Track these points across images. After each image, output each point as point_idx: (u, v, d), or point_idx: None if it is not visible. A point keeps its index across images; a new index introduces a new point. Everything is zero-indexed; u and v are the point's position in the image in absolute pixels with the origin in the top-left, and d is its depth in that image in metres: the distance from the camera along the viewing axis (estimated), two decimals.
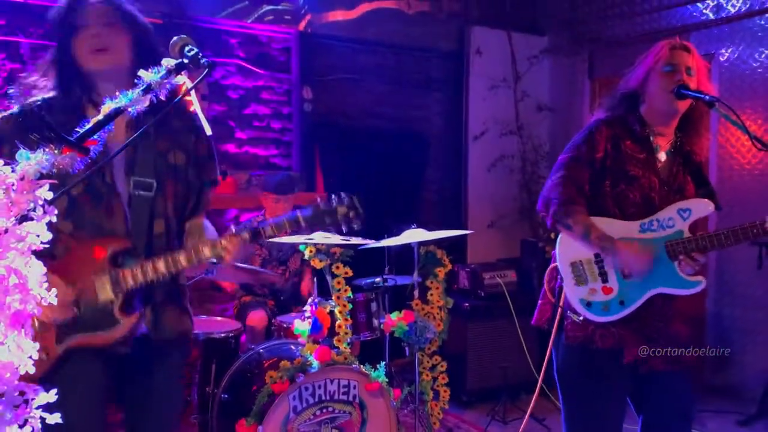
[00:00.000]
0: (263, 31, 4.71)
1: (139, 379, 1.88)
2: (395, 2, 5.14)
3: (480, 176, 5.46)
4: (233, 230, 1.80)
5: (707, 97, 2.11)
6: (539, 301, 2.38)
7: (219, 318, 3.68)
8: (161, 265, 1.73)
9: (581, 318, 2.17)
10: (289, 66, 4.85)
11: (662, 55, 2.17)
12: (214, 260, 1.80)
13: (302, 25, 4.76)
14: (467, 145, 5.43)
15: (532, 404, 2.61)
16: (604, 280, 2.16)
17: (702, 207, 2.15)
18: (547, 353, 2.30)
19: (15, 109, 1.76)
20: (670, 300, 2.18)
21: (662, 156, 2.23)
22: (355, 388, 2.82)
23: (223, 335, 3.24)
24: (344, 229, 1.86)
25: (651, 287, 2.12)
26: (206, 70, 1.38)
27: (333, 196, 1.86)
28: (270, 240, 3.17)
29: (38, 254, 0.99)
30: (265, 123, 4.79)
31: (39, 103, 1.77)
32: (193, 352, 3.32)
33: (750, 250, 3.92)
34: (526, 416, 2.81)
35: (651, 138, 2.22)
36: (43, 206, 1.08)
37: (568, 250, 2.21)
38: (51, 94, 1.80)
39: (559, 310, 2.21)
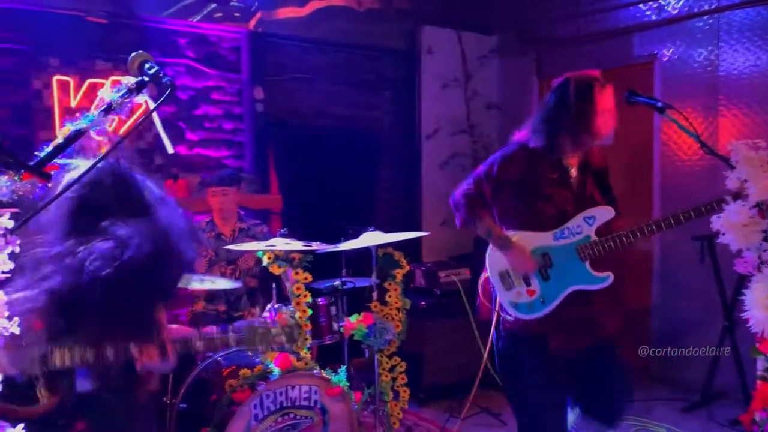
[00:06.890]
0: (212, 30, 4.62)
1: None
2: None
3: (433, 174, 5.51)
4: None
5: (659, 104, 2.26)
6: (477, 300, 2.69)
7: (174, 325, 3.59)
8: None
9: (512, 317, 2.47)
10: (240, 66, 4.78)
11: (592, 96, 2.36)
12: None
13: (252, 24, 4.70)
14: (420, 144, 5.47)
15: (472, 394, 3.08)
16: (528, 284, 2.44)
17: (604, 213, 2.43)
18: (486, 347, 2.59)
19: None
20: (589, 294, 2.41)
21: (573, 172, 2.47)
22: (316, 393, 2.82)
23: None
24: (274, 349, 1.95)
25: (567, 286, 2.40)
26: (169, 89, 1.35)
27: (271, 320, 1.92)
28: (228, 247, 3.17)
29: None
30: (216, 124, 4.71)
31: None
32: None
33: (693, 245, 4.08)
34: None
35: (563, 161, 2.45)
36: (4, 236, 1.04)
37: (495, 261, 2.51)
38: None
39: (496, 313, 2.52)
